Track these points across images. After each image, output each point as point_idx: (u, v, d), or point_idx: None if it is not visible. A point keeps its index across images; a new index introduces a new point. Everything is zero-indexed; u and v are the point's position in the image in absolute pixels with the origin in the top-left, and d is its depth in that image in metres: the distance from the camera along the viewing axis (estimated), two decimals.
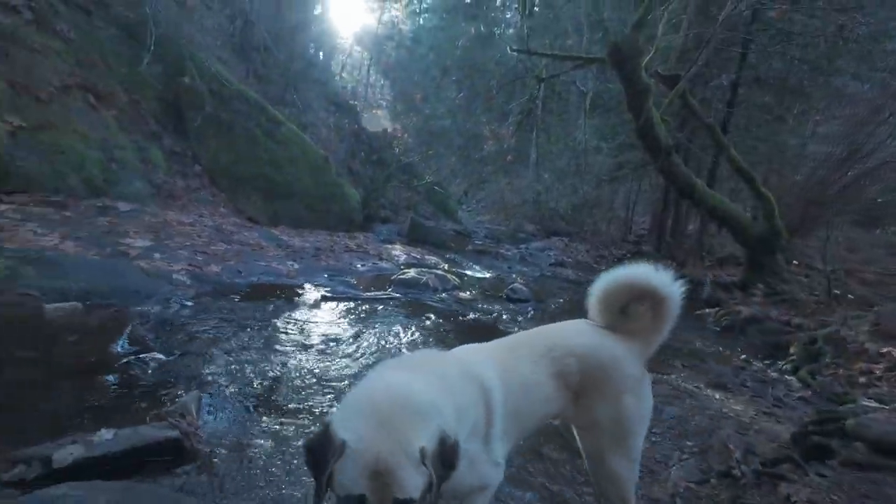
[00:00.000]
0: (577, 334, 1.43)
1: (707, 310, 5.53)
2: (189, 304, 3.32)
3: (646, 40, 6.44)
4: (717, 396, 3.02)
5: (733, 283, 6.62)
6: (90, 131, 5.31)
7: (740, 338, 4.72)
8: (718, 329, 5.03)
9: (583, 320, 1.53)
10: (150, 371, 2.32)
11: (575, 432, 1.47)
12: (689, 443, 2.30)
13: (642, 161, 10.47)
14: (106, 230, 4.22)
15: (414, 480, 0.92)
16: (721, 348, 4.28)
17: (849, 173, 6.60)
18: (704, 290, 6.54)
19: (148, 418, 1.88)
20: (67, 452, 1.47)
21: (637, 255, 9.38)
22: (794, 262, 7.04)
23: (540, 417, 1.37)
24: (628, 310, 1.48)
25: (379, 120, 13.35)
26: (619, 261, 9.31)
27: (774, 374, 3.62)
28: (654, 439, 2.32)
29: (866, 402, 2.80)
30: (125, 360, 2.37)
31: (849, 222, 10.08)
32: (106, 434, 1.58)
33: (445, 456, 0.98)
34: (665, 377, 3.25)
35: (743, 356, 4.06)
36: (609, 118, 13.67)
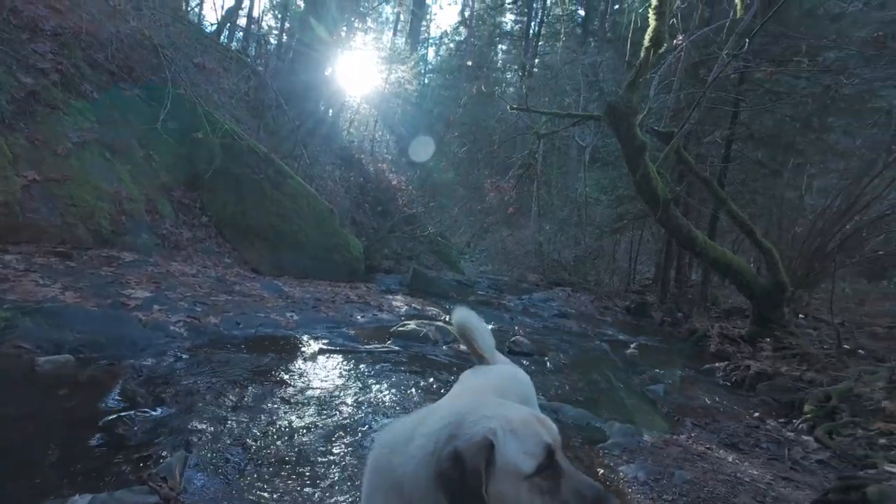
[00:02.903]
0: (501, 372, 1.55)
1: (716, 364, 5.38)
2: (184, 356, 3.27)
3: (640, 100, 6.74)
4: (731, 458, 2.86)
5: (741, 336, 6.47)
6: (103, 184, 5.49)
7: (751, 394, 4.55)
8: (729, 384, 4.86)
9: (481, 365, 1.65)
10: (136, 429, 2.24)
11: None
12: None
13: (642, 212, 10.62)
14: (108, 280, 4.24)
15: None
16: (732, 405, 4.12)
17: (848, 225, 6.64)
18: (712, 343, 6.40)
19: (129, 481, 1.79)
20: None
21: (642, 305, 9.27)
22: (802, 315, 6.92)
23: None
24: None
25: (384, 173, 13.77)
26: (626, 311, 9.22)
27: (790, 434, 3.45)
28: None
29: (889, 467, 2.64)
30: (113, 417, 2.30)
31: (854, 274, 10.03)
32: (80, 500, 1.50)
33: None
34: (675, 437, 3.11)
35: (756, 414, 3.89)
36: (608, 171, 14.08)
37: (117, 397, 2.53)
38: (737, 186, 9.19)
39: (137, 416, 2.35)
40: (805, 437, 3.36)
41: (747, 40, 5.50)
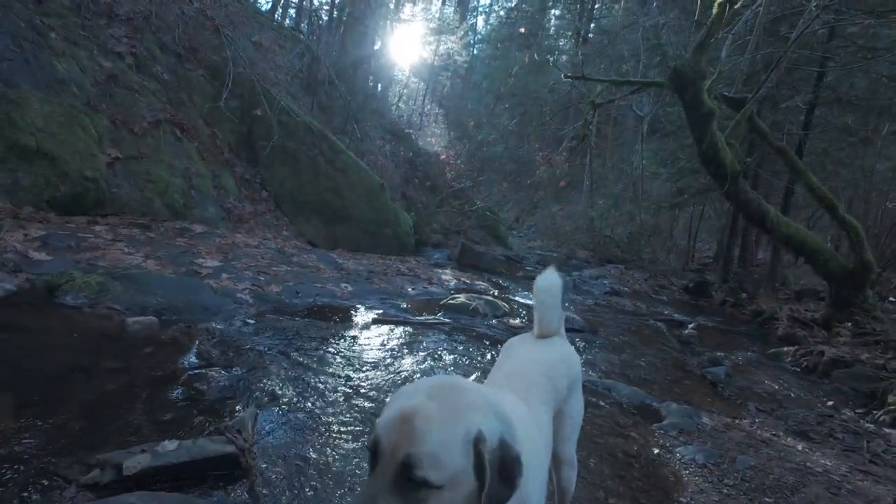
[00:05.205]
0: (552, 349, 1.43)
1: (785, 348, 5.04)
2: (251, 321, 3.50)
3: (708, 63, 6.21)
4: (800, 447, 2.70)
5: (814, 319, 6.00)
6: (175, 160, 5.88)
7: (824, 381, 4.24)
8: (798, 370, 4.55)
9: (530, 334, 1.53)
10: (212, 385, 2.44)
11: None
12: (767, 499, 2.05)
13: (704, 187, 9.95)
14: (182, 250, 4.59)
15: (447, 454, 0.71)
16: (801, 393, 3.86)
17: None
18: (780, 325, 5.99)
19: (208, 431, 1.97)
20: (136, 461, 1.57)
21: (702, 284, 8.80)
22: (890, 298, 6.28)
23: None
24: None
25: (433, 147, 13.74)
26: (683, 290, 8.80)
27: (870, 426, 3.20)
28: (725, 492, 2.10)
29: None
30: (192, 374, 2.52)
31: None
32: (169, 445, 1.66)
33: (505, 464, 0.75)
34: (738, 421, 2.97)
35: (829, 403, 3.63)
36: (668, 143, 13.20)
37: (194, 356, 2.76)
38: (817, 157, 8.34)
39: (212, 374, 2.55)
40: (887, 430, 3.11)
41: None
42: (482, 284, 6.66)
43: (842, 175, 8.62)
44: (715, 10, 5.68)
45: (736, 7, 5.70)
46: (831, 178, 8.18)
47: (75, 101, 5.01)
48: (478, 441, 0.73)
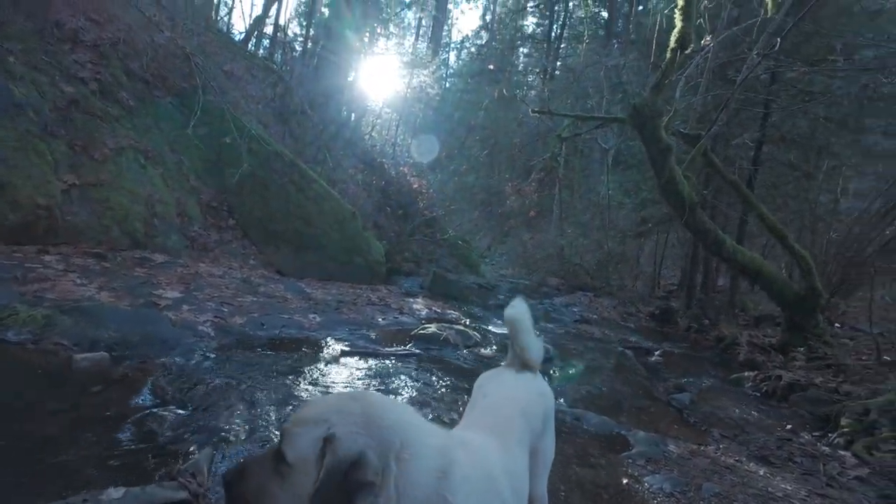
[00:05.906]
0: (527, 386, 1.41)
1: (745, 373, 5.21)
2: (212, 355, 3.36)
3: (665, 102, 6.61)
4: (762, 472, 2.77)
5: (771, 344, 6.25)
6: (137, 187, 5.70)
7: (783, 406, 4.37)
8: (758, 395, 4.69)
9: (503, 369, 1.51)
10: (166, 425, 2.31)
11: None
12: None
13: (667, 216, 10.39)
14: (141, 281, 4.40)
15: (300, 439, 0.82)
16: (762, 417, 3.98)
17: (887, 230, 6.35)
18: (741, 351, 6.20)
19: (159, 476, 1.85)
20: None
21: (667, 311, 9.05)
22: (837, 324, 6.64)
23: None
24: None
25: (406, 177, 13.86)
26: (650, 317, 9.02)
27: (825, 449, 3.31)
28: None
29: None
30: (144, 414, 2.38)
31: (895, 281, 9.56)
32: (115, 493, 1.55)
33: (352, 478, 0.76)
34: (702, 448, 3.02)
35: (788, 426, 3.75)
36: (632, 174, 13.82)
37: (148, 394, 2.61)
38: (767, 190, 8.90)
39: (167, 413, 2.42)
40: (842, 452, 3.22)
41: (779, 39, 5.33)
42: (454, 313, 6.64)
43: (790, 206, 9.21)
44: (668, 55, 6.10)
45: (687, 52, 6.14)
46: (781, 209, 8.73)
47: (31, 127, 4.83)
48: (327, 440, 0.79)
